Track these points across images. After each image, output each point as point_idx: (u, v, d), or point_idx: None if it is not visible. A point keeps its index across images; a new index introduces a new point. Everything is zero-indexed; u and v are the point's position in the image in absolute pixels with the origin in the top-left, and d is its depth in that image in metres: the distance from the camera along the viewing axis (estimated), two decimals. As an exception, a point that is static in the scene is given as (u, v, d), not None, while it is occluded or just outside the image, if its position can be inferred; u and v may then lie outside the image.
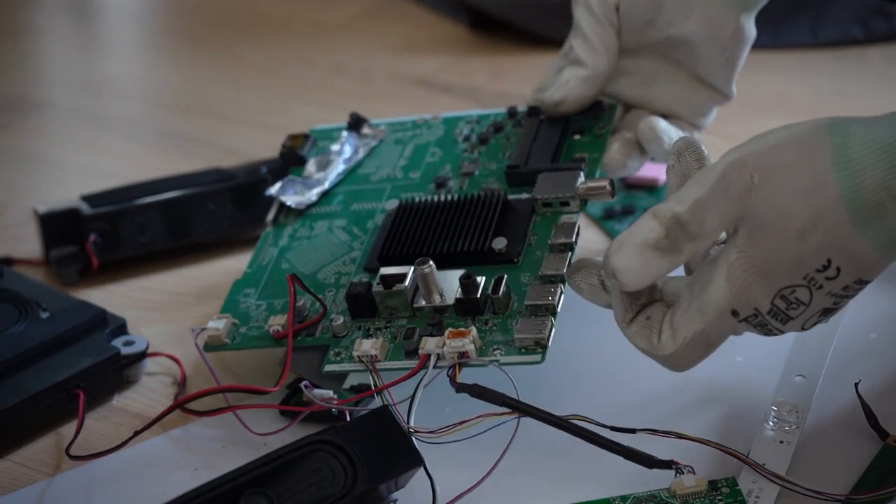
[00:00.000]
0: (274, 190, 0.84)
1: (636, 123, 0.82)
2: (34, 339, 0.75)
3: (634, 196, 0.97)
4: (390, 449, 0.64)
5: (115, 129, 1.15)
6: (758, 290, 0.62)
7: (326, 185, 0.84)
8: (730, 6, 0.80)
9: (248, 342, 0.76)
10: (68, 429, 0.74)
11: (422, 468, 0.65)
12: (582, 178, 0.77)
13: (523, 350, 0.70)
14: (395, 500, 0.66)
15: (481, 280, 0.73)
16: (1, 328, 0.77)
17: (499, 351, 0.70)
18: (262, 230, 0.84)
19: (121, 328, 0.79)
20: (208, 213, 0.91)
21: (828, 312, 0.63)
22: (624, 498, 0.65)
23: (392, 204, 0.81)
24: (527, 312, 0.72)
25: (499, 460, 0.66)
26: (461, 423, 0.67)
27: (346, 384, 0.73)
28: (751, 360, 0.76)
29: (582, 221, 0.77)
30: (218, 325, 0.76)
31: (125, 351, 0.77)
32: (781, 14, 1.26)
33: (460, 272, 0.73)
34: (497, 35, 1.32)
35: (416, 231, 0.77)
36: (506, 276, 0.73)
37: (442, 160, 0.85)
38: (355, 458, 0.63)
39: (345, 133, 0.88)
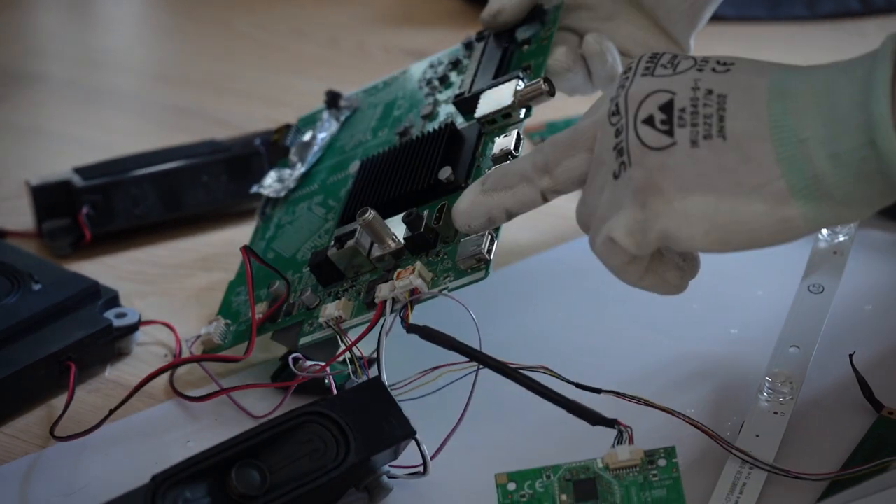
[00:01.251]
0: (256, 186, 0.84)
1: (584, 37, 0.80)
2: (26, 311, 0.75)
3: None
4: (382, 420, 0.64)
5: (109, 102, 1.14)
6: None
7: (303, 168, 0.84)
8: None
9: (239, 338, 0.76)
10: (60, 401, 0.74)
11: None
12: (517, 85, 0.74)
13: (468, 271, 0.68)
14: (388, 471, 0.65)
15: (425, 213, 0.71)
16: (-7, 300, 0.77)
17: (448, 278, 0.68)
18: (255, 214, 0.85)
19: (113, 300, 0.78)
20: (202, 185, 0.91)
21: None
22: (556, 468, 0.61)
23: (354, 166, 0.80)
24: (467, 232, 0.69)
25: (460, 418, 0.65)
26: (421, 374, 0.66)
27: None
28: (745, 332, 0.76)
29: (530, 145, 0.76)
30: (209, 329, 0.76)
31: (117, 323, 0.77)
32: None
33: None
34: (493, 7, 1.31)
35: (374, 185, 0.76)
36: (446, 202, 0.71)
37: (408, 110, 0.84)
38: (347, 429, 0.62)
39: (325, 113, 0.88)
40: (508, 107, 0.74)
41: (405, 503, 0.66)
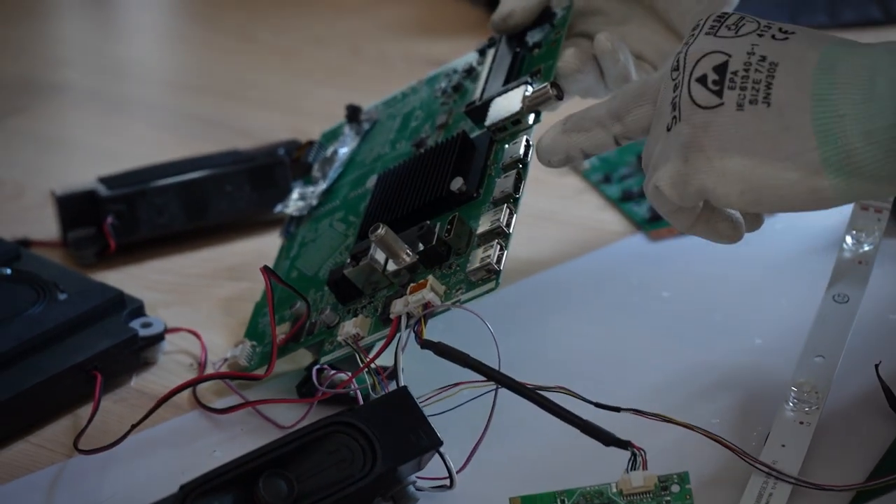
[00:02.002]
0: (280, 206, 0.85)
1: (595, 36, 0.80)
2: (52, 321, 0.75)
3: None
4: (409, 430, 0.64)
5: (132, 111, 1.15)
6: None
7: (325, 185, 0.84)
8: None
9: (264, 359, 0.75)
10: (86, 410, 0.74)
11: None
12: (525, 90, 0.75)
13: (479, 282, 0.68)
14: (415, 481, 0.65)
15: (437, 226, 0.71)
16: (19, 310, 0.77)
17: (460, 290, 0.68)
18: (280, 233, 0.85)
19: (138, 310, 0.79)
20: (225, 194, 0.91)
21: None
22: (570, 493, 0.63)
23: (372, 181, 0.80)
24: (478, 243, 0.69)
25: (482, 434, 0.65)
26: (440, 391, 0.66)
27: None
28: (769, 342, 0.76)
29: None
30: (236, 352, 0.77)
31: (143, 333, 0.77)
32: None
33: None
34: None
35: (390, 199, 0.76)
36: (457, 214, 0.71)
37: (424, 119, 0.84)
38: (374, 440, 0.63)
39: (346, 127, 0.88)
40: (517, 113, 0.74)
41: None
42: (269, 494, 0.60)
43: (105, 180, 0.90)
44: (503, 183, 0.71)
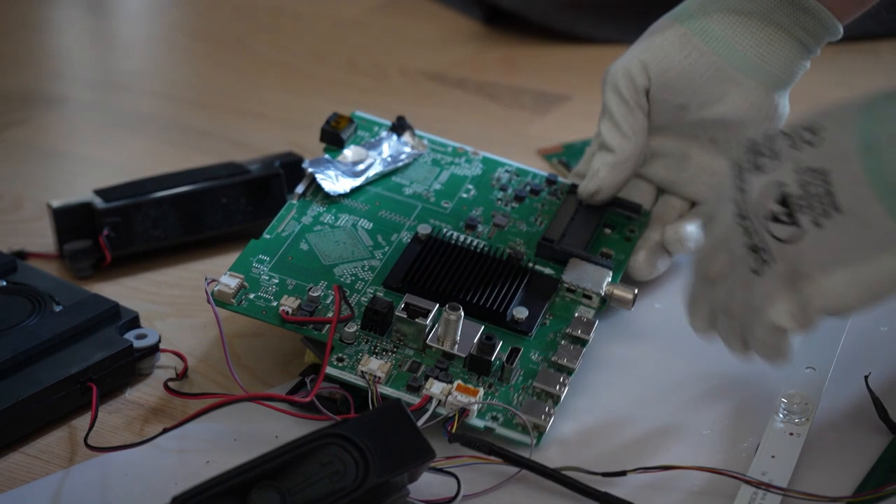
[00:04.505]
0: (311, 165, 0.85)
1: (664, 225, 0.84)
2: (48, 332, 0.76)
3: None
4: (402, 442, 0.65)
5: (130, 124, 1.15)
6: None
7: (362, 181, 0.85)
8: (765, 86, 0.81)
9: (254, 312, 0.76)
10: (81, 421, 0.74)
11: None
12: (609, 278, 0.79)
13: (521, 428, 0.72)
14: (408, 493, 0.66)
15: (498, 344, 0.74)
16: (15, 321, 0.78)
17: (496, 420, 0.72)
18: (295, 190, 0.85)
19: (133, 321, 0.79)
20: (221, 207, 0.92)
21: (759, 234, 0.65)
22: None
23: (425, 229, 0.82)
24: (531, 393, 0.73)
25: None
26: (448, 459, 0.70)
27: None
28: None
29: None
30: (230, 282, 0.77)
31: (138, 344, 0.77)
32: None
33: (478, 326, 0.75)
34: (510, 30, 1.32)
35: (443, 268, 0.79)
36: (521, 349, 0.75)
37: (475, 200, 0.86)
38: (367, 452, 0.63)
39: (385, 132, 0.89)
40: (595, 292, 0.79)
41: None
42: (261, 505, 0.61)
43: (101, 193, 0.90)
44: (568, 353, 0.75)
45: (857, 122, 0.63)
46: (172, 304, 0.86)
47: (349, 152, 0.87)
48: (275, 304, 0.76)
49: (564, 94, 1.17)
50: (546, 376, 0.74)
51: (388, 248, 0.81)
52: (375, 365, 0.73)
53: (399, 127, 0.90)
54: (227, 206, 0.92)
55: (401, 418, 0.65)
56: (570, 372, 0.75)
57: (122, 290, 0.87)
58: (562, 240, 0.82)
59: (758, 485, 0.65)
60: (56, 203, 0.90)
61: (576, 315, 0.78)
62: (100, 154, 1.09)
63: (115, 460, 0.71)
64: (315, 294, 0.76)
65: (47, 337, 0.76)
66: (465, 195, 0.86)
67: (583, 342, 0.76)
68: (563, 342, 0.76)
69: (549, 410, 0.72)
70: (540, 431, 0.72)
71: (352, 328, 0.75)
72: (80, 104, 1.20)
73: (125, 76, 1.28)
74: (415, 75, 1.23)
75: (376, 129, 0.90)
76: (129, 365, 0.77)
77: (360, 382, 0.73)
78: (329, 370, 0.73)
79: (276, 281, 0.78)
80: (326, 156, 0.86)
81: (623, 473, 0.68)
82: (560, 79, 1.21)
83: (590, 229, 0.83)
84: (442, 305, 0.75)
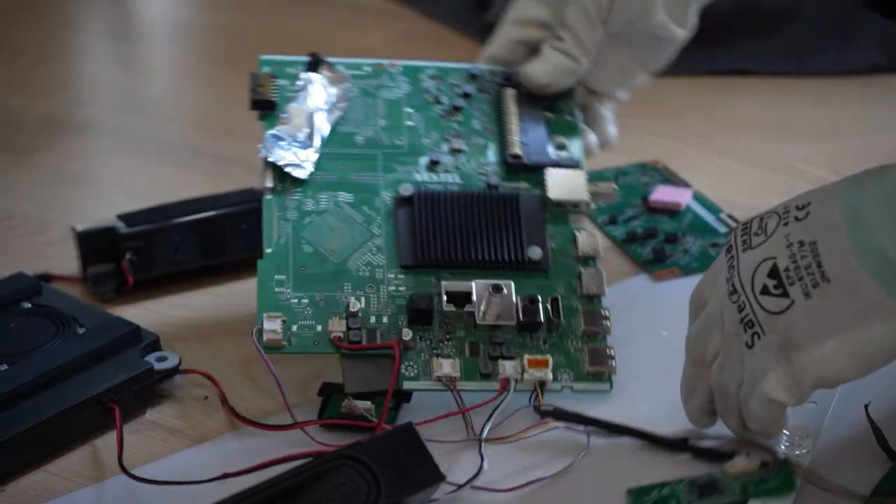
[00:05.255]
0: (270, 154, 0.82)
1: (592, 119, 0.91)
2: (70, 354, 0.77)
3: (657, 220, 0.98)
4: (413, 465, 0.66)
5: (153, 150, 1.16)
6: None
7: (319, 147, 0.84)
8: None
9: (307, 346, 0.76)
10: (102, 441, 0.76)
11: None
12: (585, 177, 0.83)
13: (591, 377, 0.77)
14: (418, 514, 0.67)
15: (538, 301, 0.77)
16: (39, 343, 0.80)
17: (567, 377, 0.77)
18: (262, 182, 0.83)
19: (154, 344, 0.81)
20: (241, 232, 0.93)
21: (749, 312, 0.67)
22: (679, 481, 0.69)
23: (406, 190, 0.82)
24: (584, 339, 0.78)
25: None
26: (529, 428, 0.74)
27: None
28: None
29: (604, 244, 0.80)
30: (274, 325, 0.76)
31: (158, 366, 0.79)
32: (805, 42, 1.27)
33: (508, 283, 0.78)
34: (528, 60, 1.33)
35: (445, 231, 0.80)
36: (559, 297, 0.78)
37: (424, 126, 0.87)
38: (379, 474, 0.64)
39: (305, 75, 0.87)
40: (581, 200, 0.83)
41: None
42: (275, 525, 0.62)
43: (124, 217, 0.91)
44: (593, 279, 0.80)
45: (843, 195, 0.65)
46: (193, 327, 0.88)
47: (290, 114, 0.84)
48: (319, 328, 0.76)
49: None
50: (590, 316, 0.78)
51: (378, 217, 0.81)
52: (448, 367, 0.75)
53: (315, 64, 0.88)
54: (247, 231, 0.93)
55: (412, 441, 0.67)
56: (599, 298, 0.79)
57: (143, 313, 0.89)
58: (526, 150, 0.84)
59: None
60: (80, 227, 0.91)
61: (577, 235, 0.82)
62: (124, 179, 1.11)
63: (133, 481, 0.72)
64: (355, 309, 0.77)
65: (70, 358, 0.77)
66: (409, 122, 0.87)
67: (593, 259, 0.81)
68: (582, 269, 0.80)
69: (610, 353, 0.77)
70: (610, 374, 0.77)
71: (408, 335, 0.76)
72: (105, 130, 1.22)
73: (150, 103, 1.29)
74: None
75: (290, 69, 0.88)
76: (150, 386, 0.79)
77: (439, 387, 0.75)
78: (408, 384, 0.75)
79: (307, 301, 0.78)
80: (272, 132, 0.83)
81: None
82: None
83: (540, 124, 0.86)
84: (461, 268, 0.78)
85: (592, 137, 0.91)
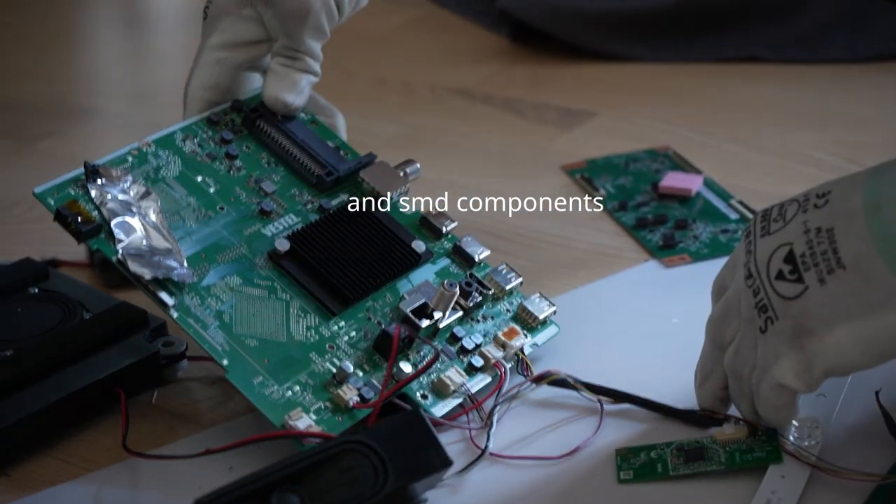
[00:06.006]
0: (143, 270, 0.75)
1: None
2: (77, 339, 0.77)
3: (667, 206, 0.98)
4: (420, 450, 0.66)
5: (161, 136, 1.16)
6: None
7: (175, 244, 0.78)
8: None
9: (338, 426, 0.72)
10: (108, 426, 0.76)
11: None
12: (391, 166, 0.84)
13: (545, 324, 0.81)
14: (426, 500, 0.67)
15: (468, 284, 0.80)
16: (45, 327, 0.79)
17: (534, 334, 0.80)
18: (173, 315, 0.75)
19: (161, 329, 0.80)
20: (249, 219, 0.92)
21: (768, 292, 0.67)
22: (668, 444, 0.71)
23: (283, 244, 0.78)
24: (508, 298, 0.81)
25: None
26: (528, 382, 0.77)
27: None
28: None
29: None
30: (309, 423, 0.71)
31: (165, 351, 0.79)
32: (818, 30, 1.27)
33: (429, 282, 0.79)
34: (537, 46, 1.33)
35: (343, 265, 0.79)
36: (484, 274, 0.81)
37: (225, 184, 0.82)
38: (386, 459, 0.64)
39: (96, 186, 0.79)
40: (407, 186, 0.84)
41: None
42: (281, 510, 0.62)
43: (132, 203, 0.91)
44: (471, 246, 0.82)
45: (864, 184, 0.65)
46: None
47: (125, 233, 0.77)
48: (329, 405, 0.73)
49: (589, 110, 1.18)
50: (494, 277, 0.81)
51: (275, 281, 0.78)
52: (455, 376, 0.76)
53: (94, 173, 0.80)
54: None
55: (419, 427, 0.67)
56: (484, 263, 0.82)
57: (149, 300, 0.88)
58: (330, 165, 0.84)
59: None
60: (87, 213, 0.91)
61: (423, 215, 0.83)
62: (131, 165, 1.11)
63: (141, 465, 0.72)
64: (349, 370, 0.74)
65: (76, 343, 0.77)
66: (210, 188, 0.82)
67: (446, 236, 0.83)
68: (458, 242, 0.82)
69: (549, 305, 0.81)
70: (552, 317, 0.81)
71: (407, 367, 0.75)
72: (112, 116, 1.22)
73: (157, 89, 1.29)
74: (442, 91, 1.25)
75: (70, 190, 0.79)
76: (156, 372, 0.79)
77: (460, 400, 0.76)
78: (438, 411, 0.75)
79: (298, 387, 0.73)
80: (127, 252, 0.75)
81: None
82: (585, 95, 1.22)
83: (313, 136, 0.86)
84: (373, 291, 0.79)
85: (340, 120, 0.91)
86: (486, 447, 0.72)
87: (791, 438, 0.70)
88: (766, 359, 0.67)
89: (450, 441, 0.73)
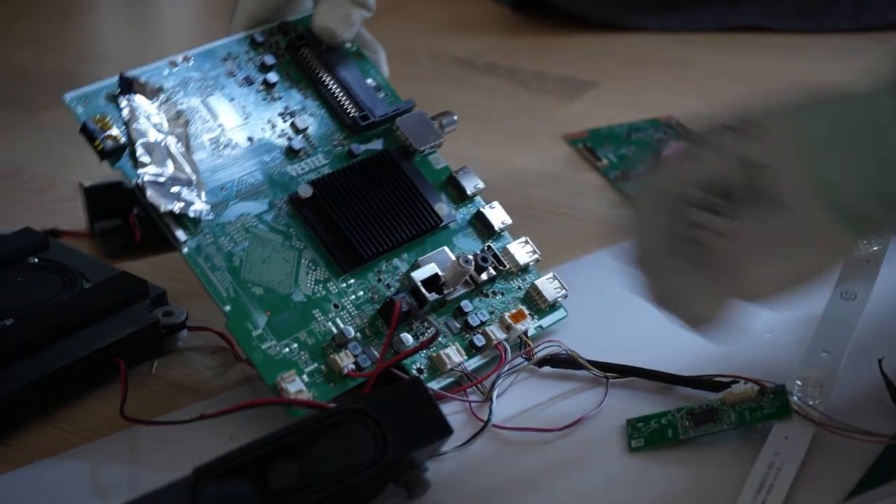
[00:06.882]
0: (164, 204, 0.74)
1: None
2: (76, 308, 0.77)
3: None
4: (421, 418, 0.65)
5: (162, 107, 1.16)
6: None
7: (195, 176, 0.77)
8: None
9: (329, 394, 0.72)
10: (108, 395, 0.76)
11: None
12: (427, 116, 0.83)
13: (550, 308, 0.80)
14: (427, 468, 0.67)
15: (480, 253, 0.78)
16: (46, 297, 0.79)
17: (540, 317, 0.79)
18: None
19: (161, 298, 0.80)
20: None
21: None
22: (680, 409, 0.72)
23: (305, 190, 0.77)
24: (520, 276, 0.80)
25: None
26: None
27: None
28: (778, 336, 0.77)
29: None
30: (300, 387, 0.71)
31: (165, 321, 0.79)
32: (822, 0, 1.26)
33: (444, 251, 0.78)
34: (539, 17, 1.33)
35: (358, 220, 0.77)
36: (491, 246, 0.80)
37: (256, 113, 0.81)
38: (386, 428, 0.64)
39: (126, 101, 0.78)
40: (441, 142, 0.82)
41: (443, 500, 0.67)
42: (280, 479, 0.62)
43: (132, 173, 0.91)
44: (496, 216, 0.81)
45: (803, 120, 0.64)
46: (198, 283, 0.87)
47: (145, 156, 0.76)
48: (324, 367, 0.73)
49: (591, 80, 1.18)
50: (516, 248, 0.80)
51: (292, 228, 0.77)
52: (454, 354, 0.75)
53: (129, 85, 0.79)
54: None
55: (420, 395, 0.66)
56: (506, 233, 0.81)
57: (150, 269, 0.88)
58: (366, 107, 0.82)
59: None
60: (88, 183, 0.91)
61: (453, 176, 0.82)
62: (132, 135, 1.11)
63: (140, 434, 0.72)
64: (350, 336, 0.74)
65: (76, 312, 0.77)
66: (242, 116, 0.81)
67: (471, 199, 0.82)
68: (482, 209, 0.81)
69: (560, 287, 0.80)
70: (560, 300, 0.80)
71: (408, 340, 0.75)
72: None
73: (160, 59, 1.29)
74: (445, 60, 1.24)
75: (101, 100, 0.79)
76: (156, 341, 0.78)
77: (454, 378, 0.75)
78: (433, 385, 0.75)
79: (296, 345, 0.73)
80: (147, 179, 0.74)
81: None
82: (587, 66, 1.22)
83: (357, 74, 0.84)
84: (389, 251, 0.77)
85: (383, 56, 0.89)
86: (489, 419, 0.72)
87: (794, 398, 0.70)
88: (689, 288, 0.66)
89: (450, 412, 0.73)
